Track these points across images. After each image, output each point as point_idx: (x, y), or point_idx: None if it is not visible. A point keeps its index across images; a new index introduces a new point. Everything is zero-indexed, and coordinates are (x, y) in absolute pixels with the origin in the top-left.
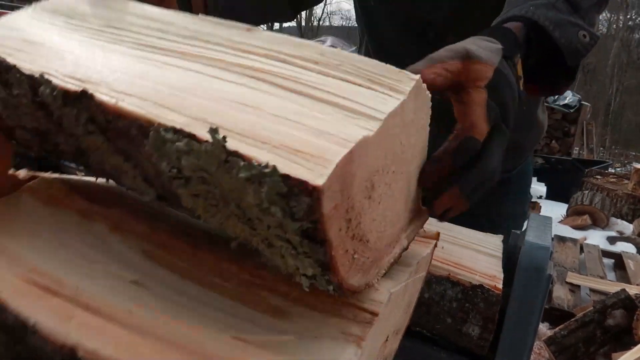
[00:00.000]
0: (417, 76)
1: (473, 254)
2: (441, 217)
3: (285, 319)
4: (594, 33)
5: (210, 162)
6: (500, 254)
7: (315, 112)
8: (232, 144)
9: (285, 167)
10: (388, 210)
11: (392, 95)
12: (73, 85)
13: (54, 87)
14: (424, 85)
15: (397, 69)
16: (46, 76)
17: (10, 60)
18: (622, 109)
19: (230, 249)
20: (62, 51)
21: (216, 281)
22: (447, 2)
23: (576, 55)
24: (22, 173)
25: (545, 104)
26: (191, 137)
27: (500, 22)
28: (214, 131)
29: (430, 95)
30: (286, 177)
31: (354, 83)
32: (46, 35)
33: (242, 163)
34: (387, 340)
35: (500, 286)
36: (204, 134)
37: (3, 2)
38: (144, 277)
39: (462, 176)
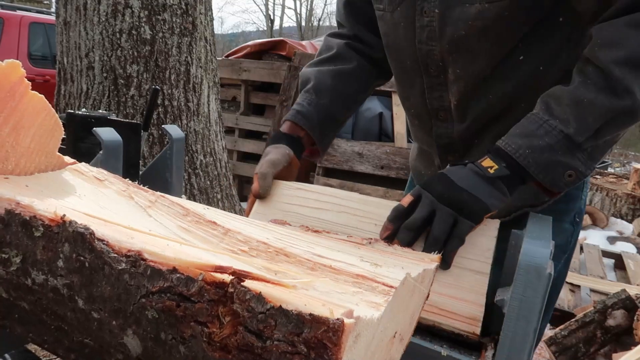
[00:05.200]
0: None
1: (456, 275)
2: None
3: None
4: (582, 172)
5: None
6: (488, 267)
7: None
8: None
9: None
10: None
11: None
12: None
13: None
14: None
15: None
16: None
17: None
18: None
19: (260, 235)
20: None
21: (244, 250)
22: (442, 34)
23: (558, 189)
24: (67, 158)
25: None
26: None
27: (497, 145)
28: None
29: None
30: None
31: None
32: None
33: None
34: (394, 336)
35: (478, 331)
36: None
37: (3, 3)
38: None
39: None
